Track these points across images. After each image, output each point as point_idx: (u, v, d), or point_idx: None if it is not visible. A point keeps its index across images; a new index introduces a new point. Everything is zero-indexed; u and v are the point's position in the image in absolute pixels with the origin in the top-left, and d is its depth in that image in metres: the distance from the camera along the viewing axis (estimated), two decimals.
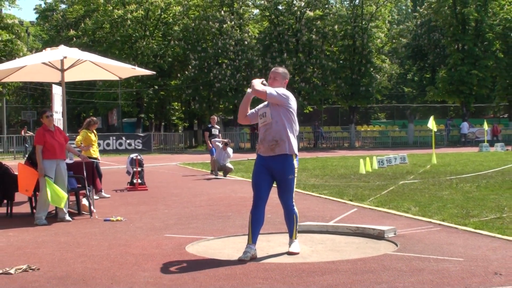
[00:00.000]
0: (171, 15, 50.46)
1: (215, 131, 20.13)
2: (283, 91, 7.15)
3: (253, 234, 7.14)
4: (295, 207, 7.26)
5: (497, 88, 52.46)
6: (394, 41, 57.78)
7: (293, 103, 7.16)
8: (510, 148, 36.13)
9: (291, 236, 7.32)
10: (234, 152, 21.98)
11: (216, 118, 21.30)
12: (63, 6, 61.91)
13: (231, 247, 7.71)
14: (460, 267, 6.25)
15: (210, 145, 19.61)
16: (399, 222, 9.23)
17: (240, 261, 6.79)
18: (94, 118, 15.25)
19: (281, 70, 7.46)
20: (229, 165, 19.31)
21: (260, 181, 7.18)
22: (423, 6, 59.78)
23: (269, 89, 7.05)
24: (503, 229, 8.24)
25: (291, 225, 7.29)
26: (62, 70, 12.95)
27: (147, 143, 41.92)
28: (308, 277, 6.01)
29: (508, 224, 8.68)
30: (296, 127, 7.24)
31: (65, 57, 12.21)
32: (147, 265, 6.72)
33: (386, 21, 52.34)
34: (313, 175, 18.93)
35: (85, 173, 11.34)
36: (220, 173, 19.30)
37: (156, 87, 49.62)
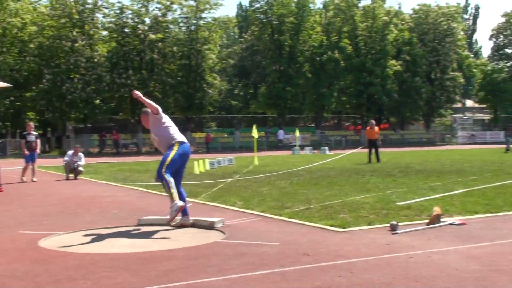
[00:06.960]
0: (27, 34, 47.92)
1: (30, 138, 18.53)
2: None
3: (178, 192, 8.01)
4: (165, 175, 7.94)
5: (306, 102, 54.76)
6: (223, 61, 58.74)
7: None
8: (316, 151, 37.86)
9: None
10: (84, 156, 21.20)
11: (32, 124, 19.59)
12: None
13: (80, 240, 7.41)
14: (276, 250, 6.40)
15: (26, 152, 18.07)
16: (227, 214, 9.32)
17: (171, 221, 7.87)
18: None
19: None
20: (80, 168, 18.65)
21: None
22: (248, 33, 61.24)
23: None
24: (311, 218, 8.56)
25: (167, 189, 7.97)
26: None
27: (3, 149, 39.59)
28: (148, 264, 5.91)
29: (314, 213, 9.03)
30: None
31: None
32: (1, 260, 6.28)
33: (217, 45, 53.07)
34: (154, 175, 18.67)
35: None
36: (71, 175, 18.58)
37: (13, 98, 46.83)
